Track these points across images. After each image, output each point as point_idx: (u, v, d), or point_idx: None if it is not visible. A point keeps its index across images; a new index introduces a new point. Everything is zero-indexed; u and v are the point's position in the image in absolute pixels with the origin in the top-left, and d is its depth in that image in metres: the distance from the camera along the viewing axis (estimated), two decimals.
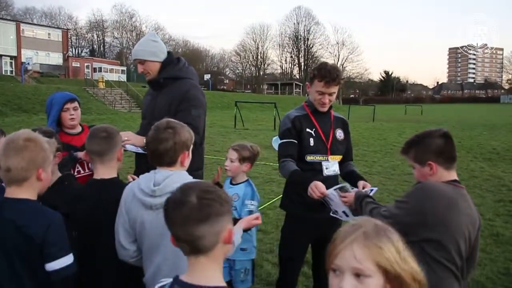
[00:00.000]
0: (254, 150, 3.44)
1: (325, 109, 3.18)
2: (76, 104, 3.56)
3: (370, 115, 35.78)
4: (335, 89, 3.09)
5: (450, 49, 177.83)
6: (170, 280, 1.46)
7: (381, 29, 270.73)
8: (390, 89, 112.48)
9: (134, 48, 3.48)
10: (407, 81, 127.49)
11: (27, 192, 1.96)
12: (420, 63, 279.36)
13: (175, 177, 2.07)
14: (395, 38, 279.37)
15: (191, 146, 2.22)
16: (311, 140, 3.14)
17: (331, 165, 3.17)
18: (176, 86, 3.36)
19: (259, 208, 6.99)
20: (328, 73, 3.00)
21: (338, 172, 3.23)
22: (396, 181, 9.85)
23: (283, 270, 3.44)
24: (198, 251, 1.40)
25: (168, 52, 3.50)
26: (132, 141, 3.18)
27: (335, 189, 2.75)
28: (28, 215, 1.92)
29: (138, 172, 3.39)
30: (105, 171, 2.39)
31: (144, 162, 3.28)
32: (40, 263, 1.91)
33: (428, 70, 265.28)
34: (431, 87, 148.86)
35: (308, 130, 3.16)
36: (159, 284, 1.49)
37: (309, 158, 3.14)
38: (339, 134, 3.27)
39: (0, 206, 1.95)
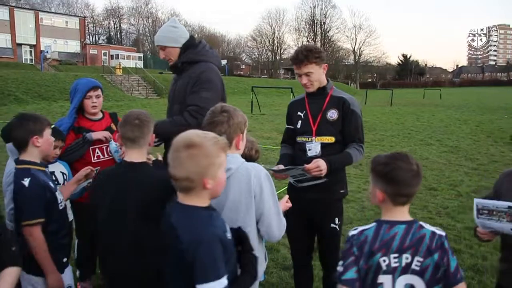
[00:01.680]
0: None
1: (310, 90, 3.21)
2: (99, 92, 3.63)
3: (387, 99, 35.43)
4: (308, 69, 3.11)
5: (470, 31, 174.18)
6: (371, 225, 1.95)
7: (399, 12, 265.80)
8: (408, 72, 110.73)
9: (156, 35, 3.56)
10: (425, 65, 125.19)
11: (196, 199, 1.85)
12: (439, 46, 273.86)
13: (229, 159, 2.09)
14: (413, 21, 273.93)
15: (245, 130, 2.29)
16: (299, 123, 3.25)
17: (314, 147, 3.16)
18: (194, 69, 3.41)
19: (277, 193, 7.05)
20: (295, 55, 3.13)
21: (320, 154, 3.11)
22: None
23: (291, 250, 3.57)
24: (405, 203, 1.95)
25: (191, 37, 3.55)
26: None
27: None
28: (186, 227, 1.79)
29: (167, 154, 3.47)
30: (134, 155, 2.43)
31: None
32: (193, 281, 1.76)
33: (447, 53, 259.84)
34: (450, 70, 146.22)
35: (298, 113, 3.28)
36: (361, 228, 1.95)
37: (298, 139, 3.26)
38: (331, 114, 3.16)
39: (170, 211, 1.88)
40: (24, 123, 2.60)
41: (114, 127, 3.71)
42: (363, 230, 1.94)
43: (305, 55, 3.07)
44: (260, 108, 25.08)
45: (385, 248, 1.87)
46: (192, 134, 1.86)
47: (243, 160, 2.21)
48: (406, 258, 1.86)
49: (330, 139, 3.16)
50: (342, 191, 3.28)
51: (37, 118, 2.67)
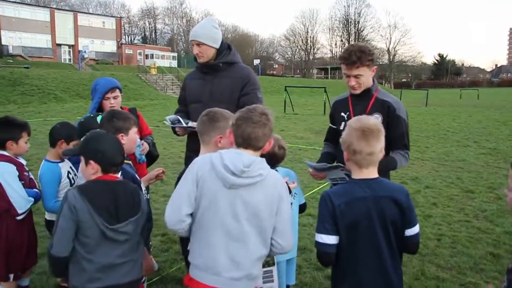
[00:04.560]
0: None
1: (357, 92, 3.09)
2: (116, 92, 3.70)
3: (422, 99, 34.70)
4: (360, 71, 2.97)
5: (511, 29, 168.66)
6: None
7: (436, 10, 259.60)
8: (444, 72, 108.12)
9: (194, 29, 3.56)
10: (462, 64, 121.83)
11: (376, 171, 2.28)
12: (477, 45, 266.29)
13: (259, 162, 2.13)
14: (450, 20, 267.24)
15: None
16: (343, 124, 3.12)
17: None
18: (234, 70, 3.55)
19: (311, 193, 7.05)
20: (348, 55, 2.95)
21: None
22: (449, 167, 9.57)
23: None
24: None
25: (223, 40, 3.64)
26: None
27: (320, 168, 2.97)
28: (395, 190, 2.24)
29: (190, 152, 3.52)
30: (203, 151, 2.54)
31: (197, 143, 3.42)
32: (403, 231, 2.22)
33: (486, 52, 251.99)
34: (488, 70, 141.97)
35: (342, 114, 3.22)
36: None
37: (341, 140, 3.16)
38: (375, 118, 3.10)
39: (371, 187, 2.21)
40: (114, 121, 2.77)
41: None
42: None
43: (358, 57, 2.92)
44: (293, 108, 25.03)
45: None
46: (364, 118, 2.30)
47: (268, 166, 2.20)
48: None
49: None
50: None
51: (126, 117, 2.84)
